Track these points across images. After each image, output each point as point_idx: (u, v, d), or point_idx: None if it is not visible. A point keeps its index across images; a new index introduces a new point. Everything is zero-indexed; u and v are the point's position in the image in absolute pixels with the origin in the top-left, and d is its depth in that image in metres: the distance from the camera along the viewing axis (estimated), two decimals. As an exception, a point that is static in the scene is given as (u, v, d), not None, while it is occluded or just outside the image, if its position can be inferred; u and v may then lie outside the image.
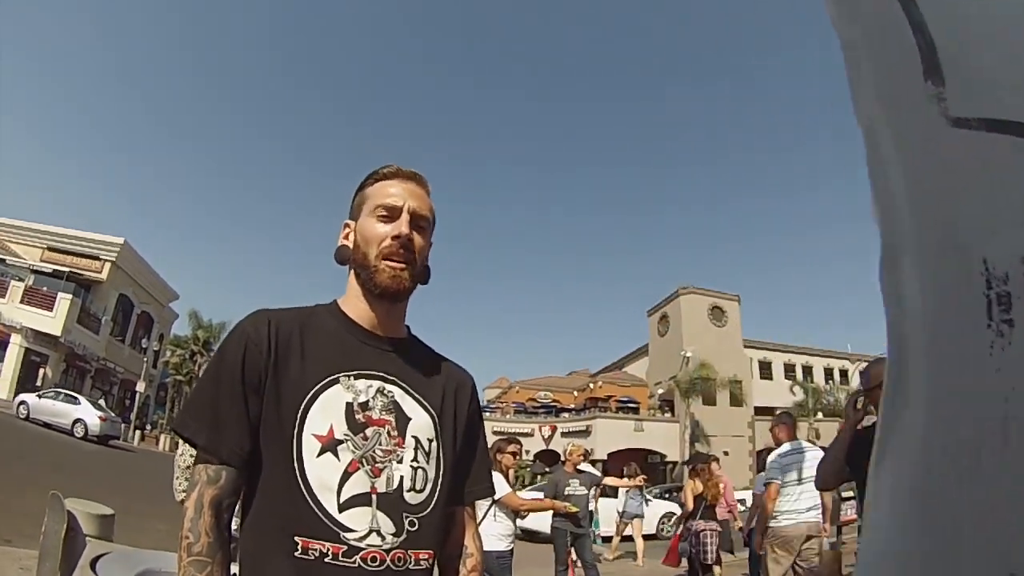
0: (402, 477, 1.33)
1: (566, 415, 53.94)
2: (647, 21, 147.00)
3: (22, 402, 25.94)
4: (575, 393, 59.40)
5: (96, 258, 41.63)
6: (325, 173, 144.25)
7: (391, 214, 1.45)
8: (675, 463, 46.37)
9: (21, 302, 36.03)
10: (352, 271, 1.50)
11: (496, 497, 5.68)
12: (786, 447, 6.48)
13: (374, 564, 1.24)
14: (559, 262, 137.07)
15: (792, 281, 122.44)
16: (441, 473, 1.42)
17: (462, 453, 1.52)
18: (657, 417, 50.90)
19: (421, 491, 1.36)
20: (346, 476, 1.27)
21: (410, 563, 1.30)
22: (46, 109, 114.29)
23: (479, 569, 1.53)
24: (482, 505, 5.57)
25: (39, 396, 26.30)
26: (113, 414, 27.88)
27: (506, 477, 6.22)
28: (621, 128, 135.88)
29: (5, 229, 41.92)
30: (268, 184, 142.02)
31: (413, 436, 1.38)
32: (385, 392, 1.38)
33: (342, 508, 1.25)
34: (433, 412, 1.45)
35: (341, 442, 1.29)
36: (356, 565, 1.22)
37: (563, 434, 49.20)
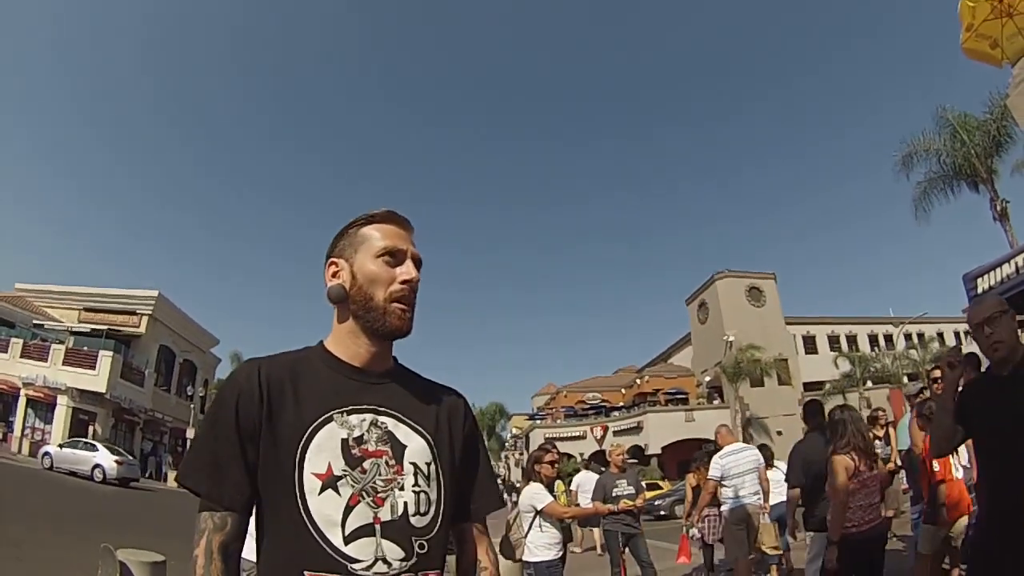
0: (406, 503, 1.37)
1: (616, 414, 53.93)
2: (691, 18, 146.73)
3: (45, 453, 27.22)
4: (623, 391, 59.29)
5: (133, 313, 42.19)
6: (356, 202, 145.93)
7: (396, 258, 1.49)
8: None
9: (64, 364, 36.56)
10: (345, 310, 1.51)
11: (539, 508, 5.84)
12: (726, 449, 8.08)
13: None
14: (595, 265, 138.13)
15: (826, 251, 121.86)
16: (443, 494, 1.45)
17: (462, 471, 1.55)
18: (706, 405, 50.37)
19: (426, 514, 1.40)
20: (348, 510, 1.31)
21: None
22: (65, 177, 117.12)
23: None
24: (527, 517, 5.90)
25: (60, 446, 27.63)
26: (131, 458, 28.93)
27: (548, 487, 6.16)
28: (646, 125, 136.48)
29: (41, 295, 42.87)
30: (299, 217, 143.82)
31: (411, 462, 1.41)
32: (378, 424, 1.42)
33: (347, 541, 1.29)
34: (428, 436, 1.48)
35: (340, 478, 1.32)
36: None
37: (615, 433, 48.99)
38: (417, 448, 1.44)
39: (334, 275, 1.52)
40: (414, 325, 1.52)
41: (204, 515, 1.32)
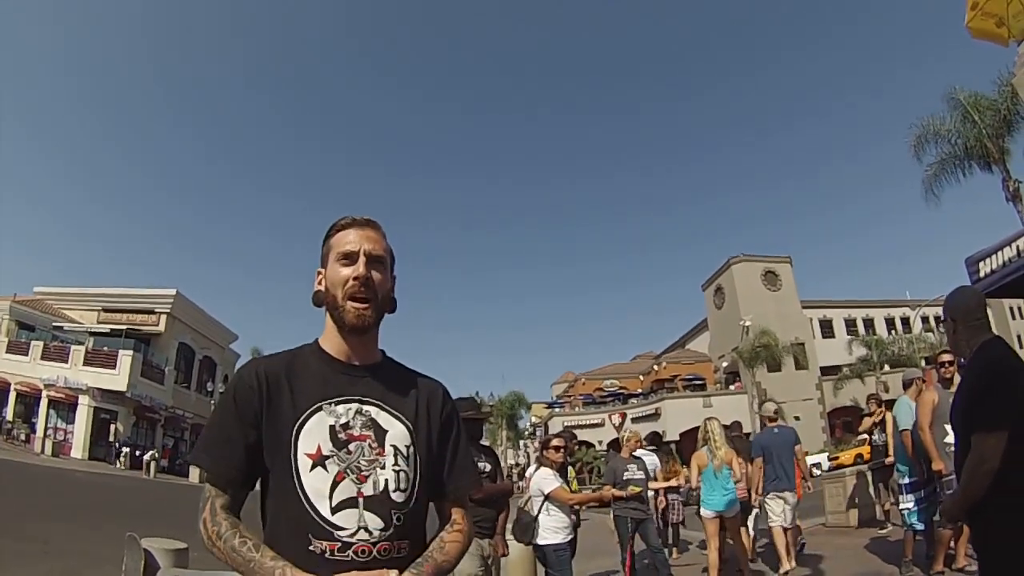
0: (387, 480, 1.56)
1: (634, 400, 53.81)
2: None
3: None
4: (640, 377, 59.17)
5: (151, 312, 42.75)
6: (374, 195, 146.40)
7: (350, 259, 1.68)
8: (748, 434, 45.49)
9: (84, 364, 37.18)
10: (327, 311, 1.72)
11: (546, 492, 6.17)
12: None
13: (364, 556, 1.48)
14: (612, 250, 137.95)
15: (841, 234, 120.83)
16: (419, 473, 1.64)
17: (439, 453, 1.75)
18: (724, 391, 50.29)
19: (404, 490, 1.59)
20: (335, 485, 1.51)
21: (394, 552, 1.53)
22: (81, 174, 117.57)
23: (453, 544, 1.68)
24: (536, 500, 6.25)
25: None
26: None
27: (562, 473, 6.43)
28: (658, 114, 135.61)
29: (60, 297, 43.44)
30: (314, 210, 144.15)
31: (392, 445, 1.60)
32: (363, 412, 1.61)
33: (334, 511, 1.49)
34: (408, 422, 1.67)
35: (328, 457, 1.53)
36: (349, 558, 1.47)
37: (633, 420, 48.77)
38: (397, 433, 1.63)
39: (319, 283, 1.74)
40: (391, 313, 1.75)
41: (207, 487, 1.54)
